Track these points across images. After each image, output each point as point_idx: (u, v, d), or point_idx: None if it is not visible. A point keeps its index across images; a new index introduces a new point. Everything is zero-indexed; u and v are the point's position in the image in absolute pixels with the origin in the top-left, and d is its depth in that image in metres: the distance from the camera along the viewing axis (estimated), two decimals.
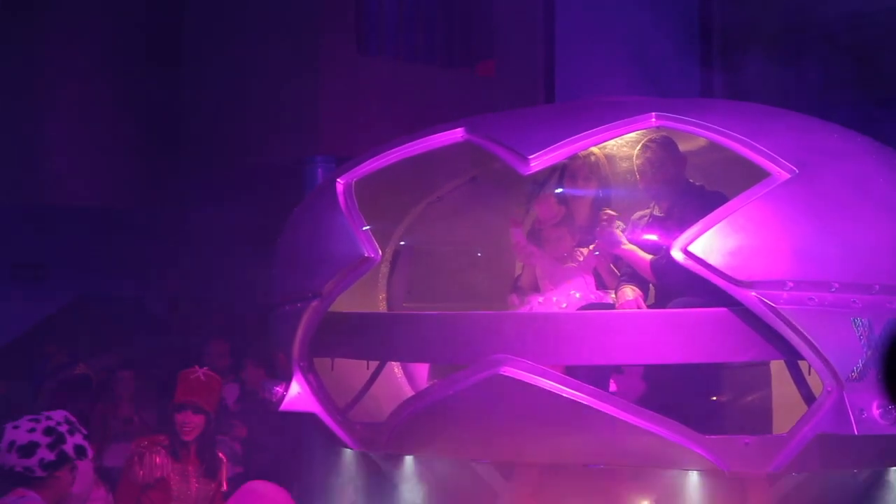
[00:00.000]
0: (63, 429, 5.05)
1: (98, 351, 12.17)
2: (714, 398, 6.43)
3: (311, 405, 6.59)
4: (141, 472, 6.89)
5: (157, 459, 6.90)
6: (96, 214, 13.16)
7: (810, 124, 6.50)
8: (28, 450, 4.95)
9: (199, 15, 13.46)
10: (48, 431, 5.01)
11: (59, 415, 5.15)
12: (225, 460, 7.29)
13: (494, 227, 7.48)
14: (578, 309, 6.58)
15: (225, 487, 7.12)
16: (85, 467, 6.74)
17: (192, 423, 6.96)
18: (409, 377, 7.34)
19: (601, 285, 6.89)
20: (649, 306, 6.42)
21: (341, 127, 12.30)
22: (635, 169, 6.63)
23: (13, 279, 13.79)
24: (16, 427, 5.03)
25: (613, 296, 6.64)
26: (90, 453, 5.20)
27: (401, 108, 12.59)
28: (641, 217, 6.72)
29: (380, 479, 6.78)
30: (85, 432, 5.19)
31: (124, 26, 13.03)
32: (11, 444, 4.97)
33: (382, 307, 7.55)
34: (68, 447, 5.02)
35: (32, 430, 5.00)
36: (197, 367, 7.18)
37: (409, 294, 7.66)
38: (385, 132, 12.18)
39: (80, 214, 13.08)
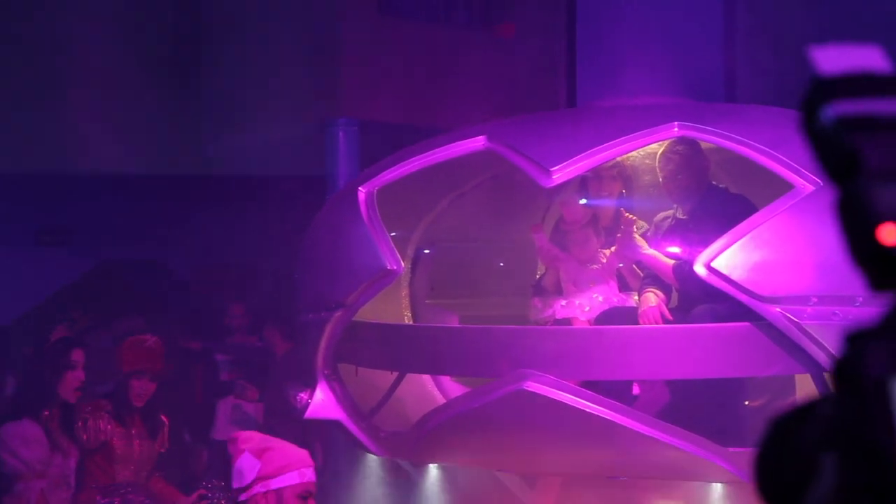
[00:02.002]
0: None
1: (122, 315, 12.21)
2: (737, 409, 6.44)
3: (336, 412, 6.64)
4: (85, 437, 6.96)
5: (101, 424, 6.97)
6: (120, 179, 13.15)
7: None
8: None
9: None
10: None
11: None
12: (167, 423, 7.38)
13: (517, 223, 7.46)
14: (601, 313, 6.57)
15: (165, 448, 7.28)
16: (36, 433, 6.89)
17: (148, 390, 7.13)
18: (436, 380, 7.35)
19: (624, 286, 6.86)
20: (671, 310, 6.40)
21: (362, 89, 12.23)
22: (659, 175, 6.57)
23: (37, 245, 13.83)
24: None
25: (636, 298, 6.62)
26: None
27: (421, 71, 12.52)
28: (664, 219, 6.66)
29: (404, 483, 6.84)
30: None
31: None
32: None
33: (405, 304, 7.55)
34: None
35: None
36: (149, 335, 7.43)
37: (432, 291, 7.65)
38: (405, 94, 12.21)
39: (104, 179, 13.07)
